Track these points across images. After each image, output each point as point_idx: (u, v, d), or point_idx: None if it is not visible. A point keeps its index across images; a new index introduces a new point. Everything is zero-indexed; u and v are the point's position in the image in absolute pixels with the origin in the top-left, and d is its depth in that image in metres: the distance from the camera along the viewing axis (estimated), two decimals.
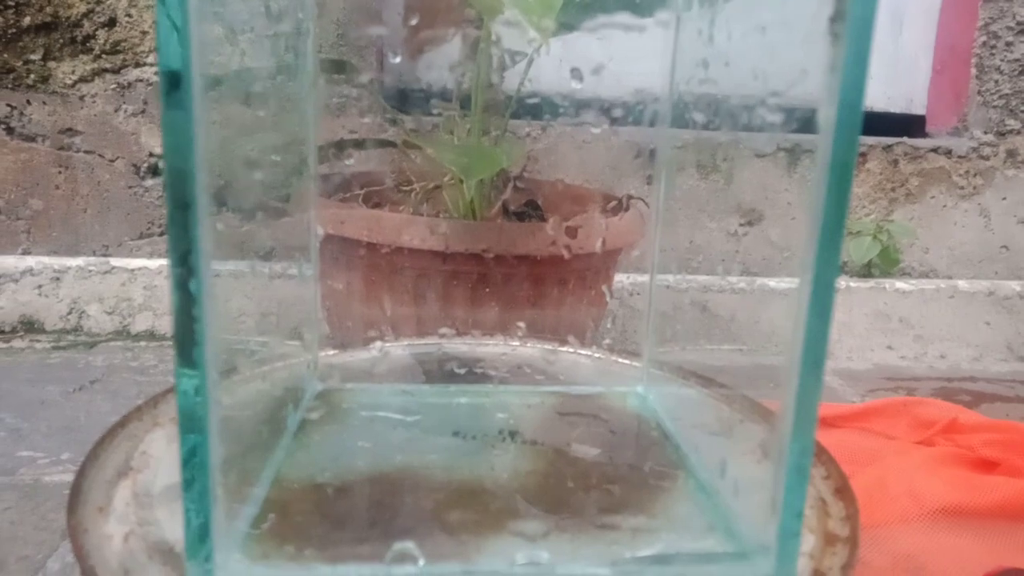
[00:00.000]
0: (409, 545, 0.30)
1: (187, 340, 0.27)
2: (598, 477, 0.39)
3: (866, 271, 1.31)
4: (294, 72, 0.43)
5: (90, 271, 1.07)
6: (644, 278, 0.49)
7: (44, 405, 0.84)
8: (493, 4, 0.77)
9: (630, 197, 0.95)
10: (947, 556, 0.67)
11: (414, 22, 1.03)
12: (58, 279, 1.06)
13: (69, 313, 1.07)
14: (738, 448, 0.39)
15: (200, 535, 0.28)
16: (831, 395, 1.06)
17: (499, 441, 0.42)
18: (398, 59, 1.10)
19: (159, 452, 0.41)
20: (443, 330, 0.55)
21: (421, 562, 0.30)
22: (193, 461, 0.27)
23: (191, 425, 0.27)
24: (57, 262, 1.07)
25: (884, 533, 0.70)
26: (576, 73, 0.60)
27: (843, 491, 0.40)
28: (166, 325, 1.08)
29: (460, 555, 0.31)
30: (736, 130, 0.38)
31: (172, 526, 0.33)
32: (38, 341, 1.04)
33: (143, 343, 1.07)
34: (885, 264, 1.30)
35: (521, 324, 0.56)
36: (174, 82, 0.25)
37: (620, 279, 1.13)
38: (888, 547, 0.68)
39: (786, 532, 0.29)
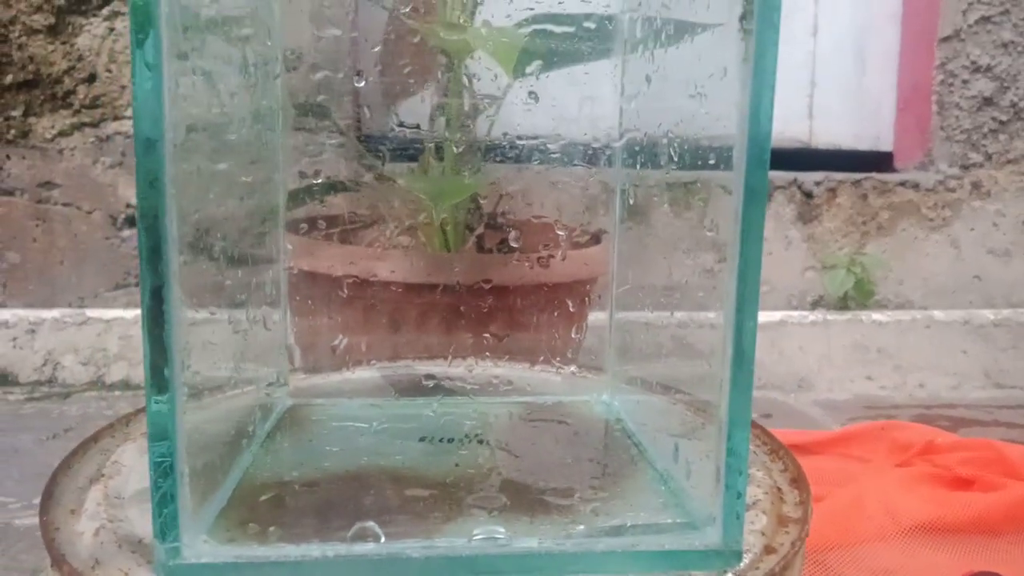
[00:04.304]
0: (371, 524, 0.31)
1: (157, 363, 0.28)
2: (560, 469, 0.39)
3: (843, 304, 1.32)
4: (266, 117, 0.44)
5: (65, 322, 1.07)
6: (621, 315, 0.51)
7: (17, 453, 0.84)
8: (461, 45, 0.79)
9: (601, 231, 0.96)
10: (925, 571, 0.67)
11: (388, 69, 1.05)
12: (33, 331, 1.06)
13: (44, 364, 1.06)
14: (697, 448, 0.39)
15: (170, 521, 0.28)
16: (812, 425, 1.06)
17: (465, 443, 0.42)
18: (366, 87, 1.12)
19: (130, 462, 0.41)
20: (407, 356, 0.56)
21: (382, 539, 0.30)
22: (161, 464, 0.28)
23: (160, 435, 0.28)
24: (32, 314, 1.07)
25: (862, 551, 0.70)
26: (532, 97, 0.62)
27: (798, 480, 0.41)
28: (141, 374, 1.08)
29: (421, 533, 0.31)
30: (682, 168, 0.39)
31: (142, 523, 0.33)
32: (11, 393, 1.04)
33: (118, 392, 1.06)
34: (860, 296, 1.31)
35: (487, 350, 0.57)
36: (151, 141, 0.27)
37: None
38: (867, 564, 0.68)
39: (731, 494, 0.30)
